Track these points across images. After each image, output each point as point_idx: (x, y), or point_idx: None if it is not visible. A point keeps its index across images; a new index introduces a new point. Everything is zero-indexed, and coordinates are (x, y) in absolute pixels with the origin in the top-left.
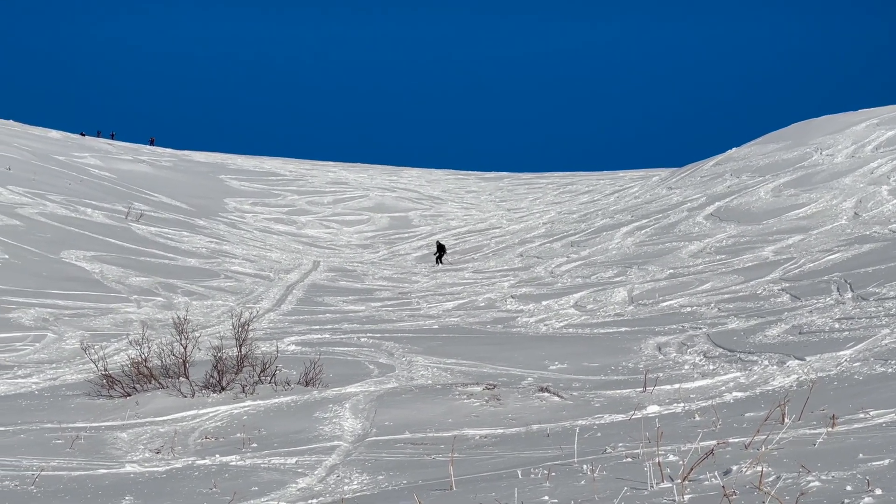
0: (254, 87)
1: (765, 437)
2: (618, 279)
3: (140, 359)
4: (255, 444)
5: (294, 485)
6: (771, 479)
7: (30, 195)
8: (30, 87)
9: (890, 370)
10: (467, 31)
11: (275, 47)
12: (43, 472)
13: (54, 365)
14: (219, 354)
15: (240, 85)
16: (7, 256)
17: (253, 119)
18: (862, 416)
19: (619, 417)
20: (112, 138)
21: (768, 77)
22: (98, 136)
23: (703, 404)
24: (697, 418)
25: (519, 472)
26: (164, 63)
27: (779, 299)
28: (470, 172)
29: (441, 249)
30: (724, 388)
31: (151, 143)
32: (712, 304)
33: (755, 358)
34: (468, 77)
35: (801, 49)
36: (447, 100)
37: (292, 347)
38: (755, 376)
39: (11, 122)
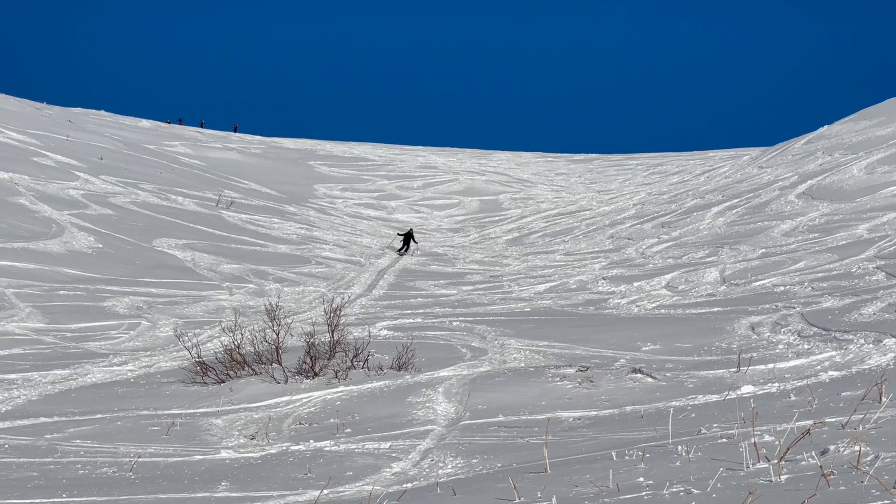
0: (342, 72)
1: (862, 416)
2: (709, 259)
3: (233, 345)
4: (348, 430)
5: (388, 469)
6: (869, 458)
7: (122, 184)
8: (119, 78)
9: None
10: (554, 15)
11: (362, 32)
12: (140, 459)
13: (149, 352)
14: (311, 340)
15: (327, 71)
16: (101, 246)
17: (342, 105)
18: None
19: (714, 398)
20: (202, 126)
21: (861, 52)
22: (180, 124)
23: (799, 384)
24: (793, 398)
25: (613, 454)
26: (251, 50)
27: (874, 277)
28: (559, 155)
29: (408, 237)
30: (819, 367)
31: (235, 130)
32: (806, 283)
33: (850, 337)
34: (558, 60)
35: (893, 21)
36: (536, 83)
37: (384, 332)
38: (851, 355)
39: (103, 112)
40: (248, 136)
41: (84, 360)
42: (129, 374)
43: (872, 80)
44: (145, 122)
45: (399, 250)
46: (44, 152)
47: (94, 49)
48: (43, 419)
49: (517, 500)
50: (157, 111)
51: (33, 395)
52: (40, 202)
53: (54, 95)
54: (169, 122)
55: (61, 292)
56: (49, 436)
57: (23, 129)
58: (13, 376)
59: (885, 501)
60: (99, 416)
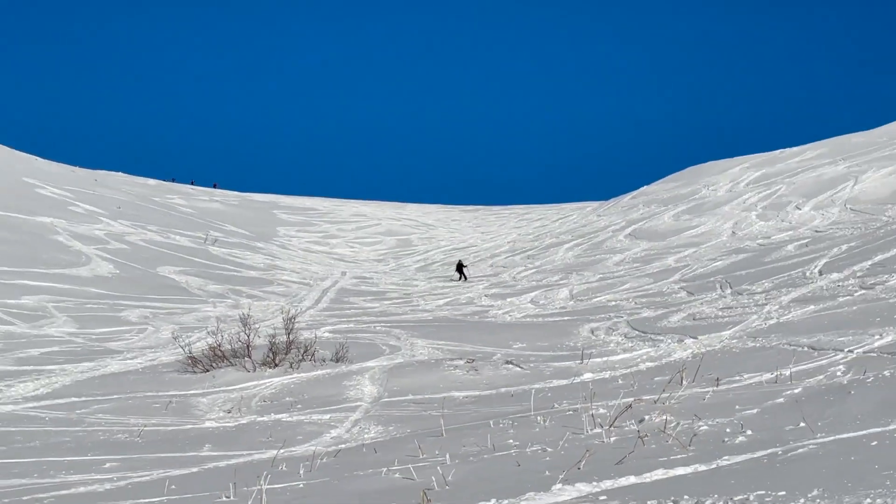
0: (295, 143)
1: (668, 394)
2: (562, 282)
3: (215, 344)
4: (299, 405)
5: (328, 434)
6: (673, 424)
7: (134, 226)
8: (129, 144)
9: (758, 345)
10: (456, 97)
11: (304, 110)
12: (145, 428)
13: (153, 350)
14: (273, 340)
15: (285, 141)
16: (118, 271)
17: (297, 166)
18: (738, 378)
19: (564, 382)
20: (192, 184)
21: (670, 131)
22: (173, 182)
23: (624, 372)
24: (620, 382)
25: (491, 423)
26: (227, 124)
27: (678, 295)
28: (454, 206)
29: (460, 267)
30: (639, 359)
31: (214, 187)
32: (630, 299)
33: (661, 337)
34: (455, 130)
35: (692, 107)
36: (440, 150)
37: (326, 334)
38: (661, 351)
39: (120, 173)
40: (227, 192)
41: (105, 355)
42: (138, 365)
43: (680, 150)
44: (151, 181)
45: (459, 279)
46: (76, 202)
47: (113, 120)
48: (74, 399)
49: (421, 456)
50: (157, 171)
51: (67, 381)
52: (73, 240)
53: (82, 159)
54: (167, 181)
55: (88, 306)
56: (78, 411)
57: (60, 185)
58: (53, 367)
59: (682, 455)
60: (115, 396)
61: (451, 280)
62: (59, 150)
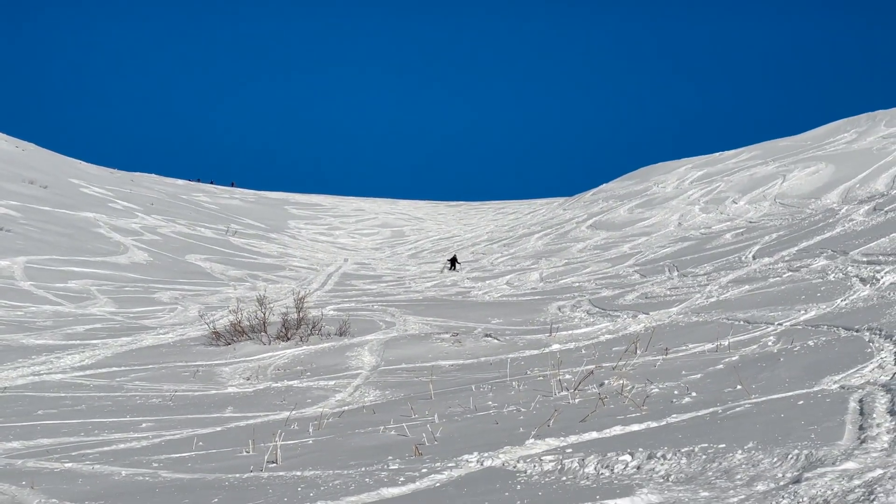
0: (303, 148)
1: (625, 362)
2: (533, 266)
3: (236, 321)
4: (308, 373)
5: (333, 397)
6: (628, 388)
7: (166, 220)
8: (160, 148)
9: (701, 319)
10: (441, 110)
11: (311, 120)
12: (176, 393)
13: (182, 326)
14: (285, 317)
15: (296, 146)
16: (152, 259)
17: (306, 168)
18: (684, 348)
19: (535, 352)
20: (211, 183)
21: (625, 136)
22: (198, 182)
23: (587, 343)
24: (583, 351)
25: (473, 387)
26: (245, 132)
27: (632, 277)
28: (440, 202)
29: (454, 260)
30: (599, 332)
31: (233, 186)
32: (592, 281)
33: (618, 314)
34: (441, 138)
35: (644, 115)
36: (428, 154)
37: (332, 312)
38: (619, 325)
39: (153, 174)
40: (245, 190)
41: (141, 331)
42: (169, 340)
43: (633, 152)
44: (180, 181)
45: (450, 269)
46: (115, 200)
47: (146, 127)
48: (114, 368)
49: (413, 416)
50: (184, 172)
51: (108, 353)
52: (113, 232)
53: (120, 162)
54: (193, 181)
55: (126, 288)
56: (118, 379)
57: (101, 185)
58: (96, 341)
59: (637, 414)
60: (150, 366)
61: (443, 271)
62: (101, 154)
